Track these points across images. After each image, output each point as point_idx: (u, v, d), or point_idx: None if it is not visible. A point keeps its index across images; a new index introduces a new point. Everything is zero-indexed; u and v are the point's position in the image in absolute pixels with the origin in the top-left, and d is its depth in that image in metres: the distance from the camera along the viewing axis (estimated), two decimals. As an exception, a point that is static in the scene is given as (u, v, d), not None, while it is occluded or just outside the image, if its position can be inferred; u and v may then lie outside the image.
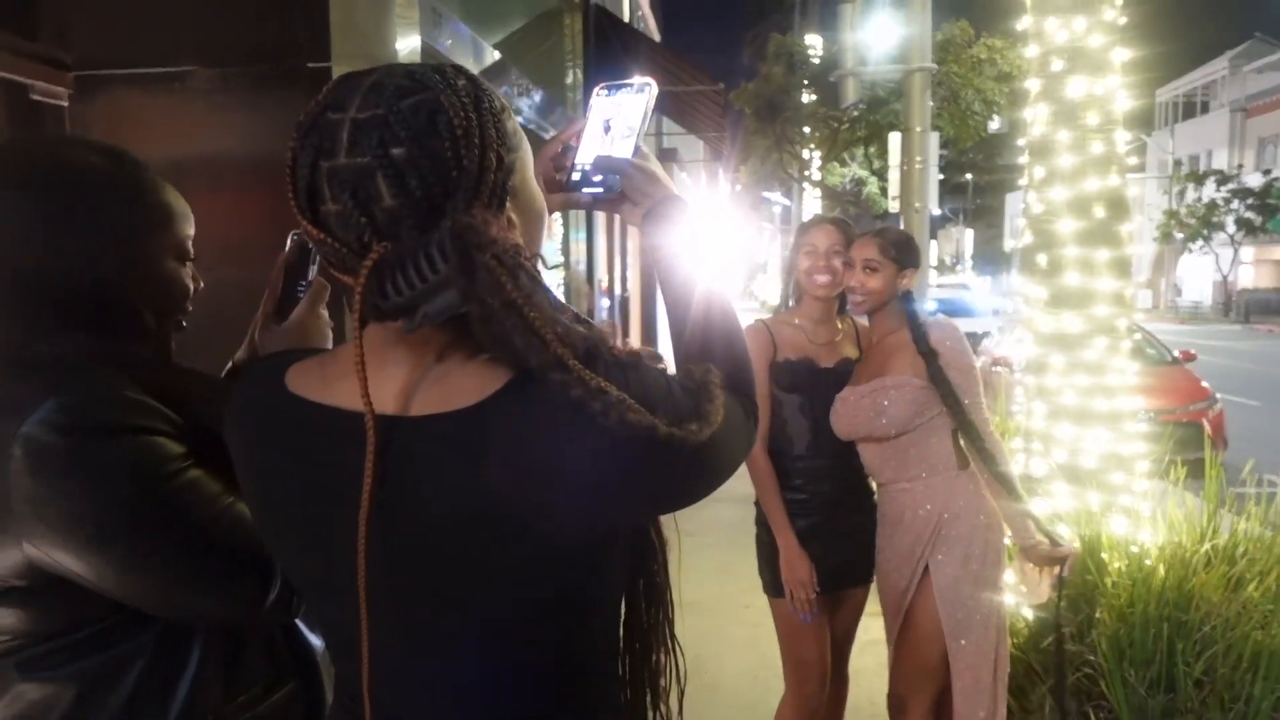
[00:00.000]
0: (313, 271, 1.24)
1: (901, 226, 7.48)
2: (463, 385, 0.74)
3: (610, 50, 9.09)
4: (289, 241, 1.24)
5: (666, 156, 19.35)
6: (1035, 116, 3.42)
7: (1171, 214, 32.28)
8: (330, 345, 1.24)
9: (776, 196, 33.79)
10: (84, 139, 1.09)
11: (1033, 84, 3.45)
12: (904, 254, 2.33)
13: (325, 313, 1.24)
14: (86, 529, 0.93)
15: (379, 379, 0.75)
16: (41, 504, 0.92)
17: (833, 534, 2.40)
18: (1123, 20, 3.26)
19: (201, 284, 1.17)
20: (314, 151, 0.73)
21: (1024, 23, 3.46)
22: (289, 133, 0.77)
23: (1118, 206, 3.29)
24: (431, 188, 0.71)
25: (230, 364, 1.30)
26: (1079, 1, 3.23)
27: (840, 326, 2.49)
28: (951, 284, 24.17)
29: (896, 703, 2.40)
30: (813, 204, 23.29)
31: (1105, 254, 3.25)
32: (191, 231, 1.14)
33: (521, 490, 0.71)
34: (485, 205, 0.73)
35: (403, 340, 0.76)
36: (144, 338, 1.09)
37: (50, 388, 0.95)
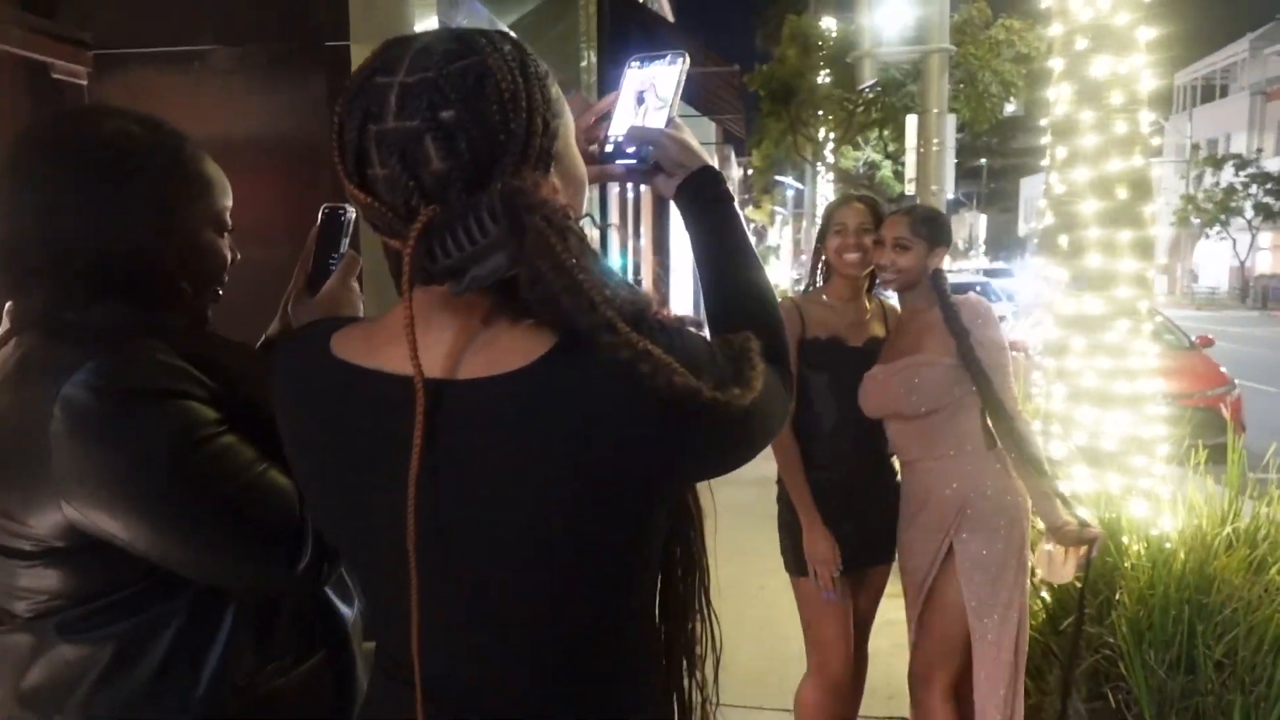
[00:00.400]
0: (344, 244, 1.25)
1: (917, 209, 7.42)
2: (510, 348, 0.74)
3: (625, 32, 9.04)
4: (321, 214, 1.25)
5: (679, 139, 19.25)
6: (1058, 96, 3.38)
7: (1188, 198, 31.96)
8: (362, 316, 1.25)
9: (789, 180, 33.61)
10: (123, 109, 1.09)
11: (1056, 63, 3.40)
12: (935, 231, 2.31)
13: (357, 285, 1.25)
14: (123, 490, 0.94)
15: (425, 342, 0.74)
16: (79, 465, 0.94)
17: (856, 513, 2.40)
18: (1149, -2, 3.22)
19: (239, 255, 1.18)
20: (362, 115, 0.73)
21: (1047, 0, 3.42)
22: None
23: (1141, 187, 3.25)
24: (480, 151, 0.71)
25: (263, 338, 1.30)
26: (1104, -21, 3.19)
27: (869, 306, 2.49)
28: (991, 268, 23.07)
29: (917, 681, 2.40)
30: (826, 188, 23.15)
31: (1128, 235, 3.21)
32: (229, 203, 1.15)
33: (569, 452, 0.72)
34: (532, 169, 0.74)
35: (449, 304, 0.76)
36: (181, 307, 1.10)
37: (88, 352, 0.96)
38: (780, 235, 46.58)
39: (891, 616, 2.71)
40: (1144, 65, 3.24)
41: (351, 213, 1.25)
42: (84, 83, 2.94)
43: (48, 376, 0.95)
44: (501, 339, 0.75)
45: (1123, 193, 3.21)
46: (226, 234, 1.15)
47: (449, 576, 0.77)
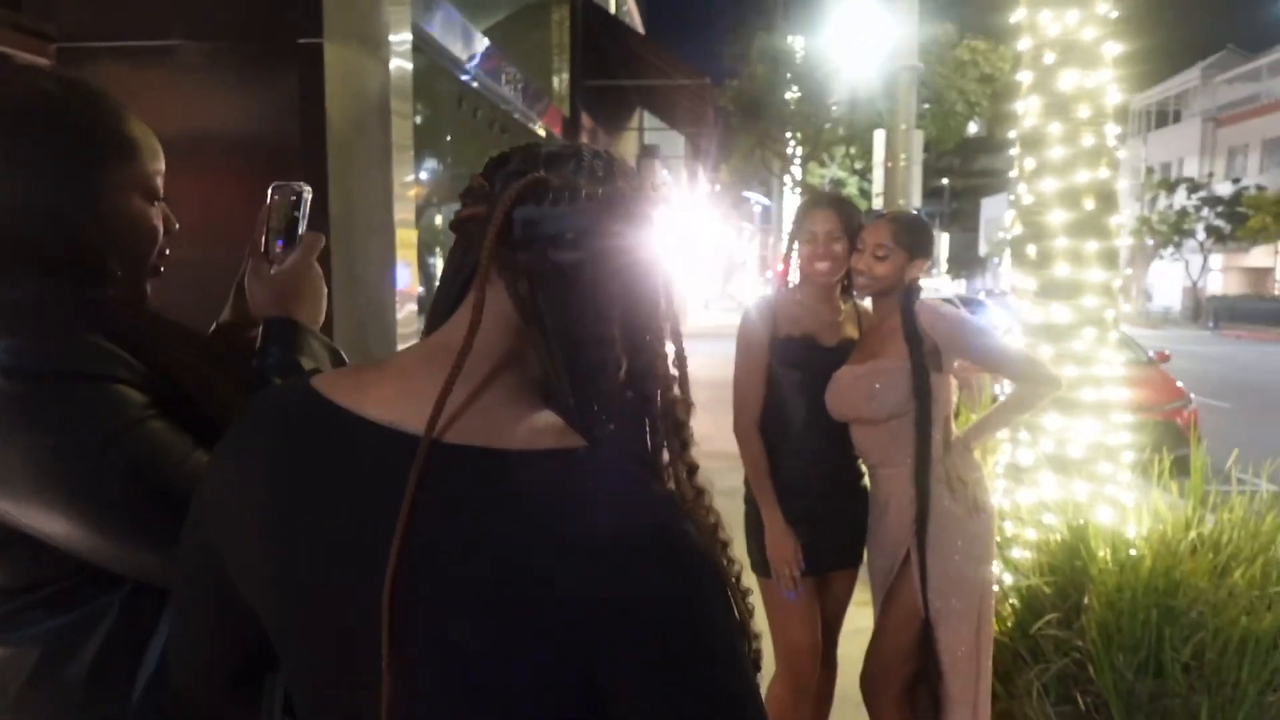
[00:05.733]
0: (303, 226, 1.18)
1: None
2: (511, 421, 0.68)
3: (596, 42, 9.06)
4: (270, 193, 1.17)
5: (647, 153, 19.29)
6: (1026, 109, 3.44)
7: (1143, 220, 32.73)
8: (324, 300, 1.20)
9: (757, 195, 33.90)
10: (37, 67, 1.02)
11: (1024, 76, 3.46)
12: (917, 242, 2.30)
13: (319, 266, 1.19)
14: (41, 482, 0.87)
15: (419, 391, 0.68)
16: None
17: (822, 515, 2.40)
18: (1114, 14, 3.29)
19: (176, 225, 1.09)
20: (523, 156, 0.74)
21: (1017, 15, 3.47)
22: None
23: (1107, 199, 3.31)
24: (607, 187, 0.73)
25: (214, 325, 1.24)
26: (1071, -5, 3.25)
27: (843, 307, 2.49)
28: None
29: (869, 684, 2.41)
30: (793, 202, 23.37)
31: (1094, 245, 3.27)
32: (161, 167, 1.06)
33: (557, 564, 0.63)
34: None
35: (449, 354, 0.69)
36: (109, 283, 1.01)
37: (7, 332, 0.90)
38: (748, 249, 46.90)
39: (860, 625, 2.71)
40: (1110, 80, 3.30)
41: (307, 191, 1.18)
42: (47, 75, 2.87)
43: None
44: (504, 410, 0.69)
45: (1089, 204, 3.27)
46: (159, 202, 1.06)
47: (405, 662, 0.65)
